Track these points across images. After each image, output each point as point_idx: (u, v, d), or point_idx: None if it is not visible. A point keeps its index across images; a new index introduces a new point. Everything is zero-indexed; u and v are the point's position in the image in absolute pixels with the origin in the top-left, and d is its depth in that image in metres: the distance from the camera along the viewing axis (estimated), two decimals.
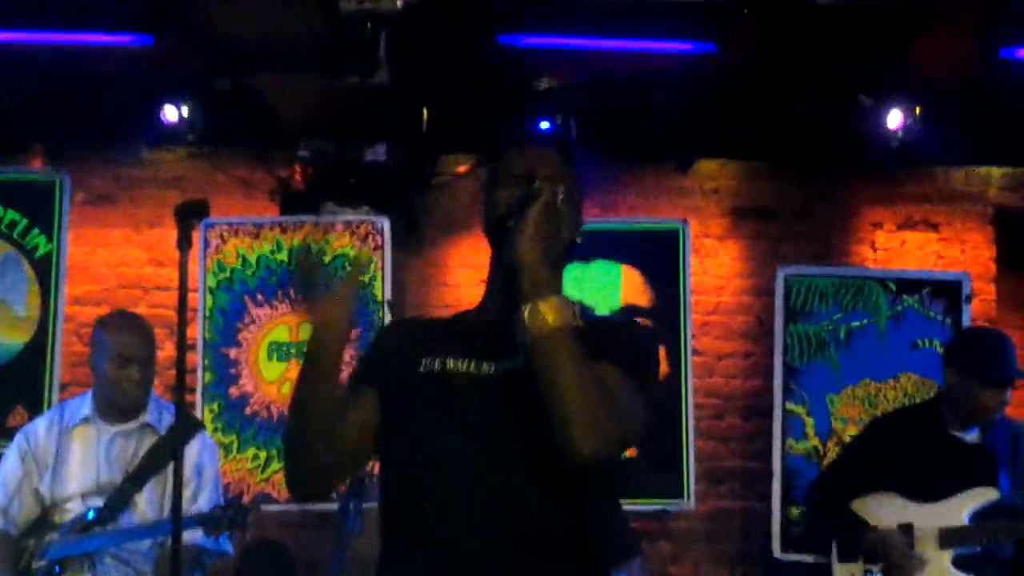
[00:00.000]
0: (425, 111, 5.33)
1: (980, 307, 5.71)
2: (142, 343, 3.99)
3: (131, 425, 4.02)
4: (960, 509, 4.33)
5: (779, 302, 5.45)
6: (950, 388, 4.40)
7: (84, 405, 4.07)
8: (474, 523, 2.07)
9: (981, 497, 4.33)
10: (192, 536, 3.83)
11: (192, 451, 3.99)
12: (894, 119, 5.16)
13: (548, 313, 2.00)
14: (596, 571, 2.18)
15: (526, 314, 2.01)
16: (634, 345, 2.23)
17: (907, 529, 4.35)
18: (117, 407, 4.01)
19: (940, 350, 5.26)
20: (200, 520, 3.81)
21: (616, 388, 2.06)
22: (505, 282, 2.13)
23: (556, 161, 2.25)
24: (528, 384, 2.02)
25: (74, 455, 4.01)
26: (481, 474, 2.08)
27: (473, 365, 2.17)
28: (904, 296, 5.48)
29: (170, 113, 5.20)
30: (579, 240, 2.28)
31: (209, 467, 4.07)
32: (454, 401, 2.14)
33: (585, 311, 2.38)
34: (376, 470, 4.73)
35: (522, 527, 2.08)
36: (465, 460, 2.09)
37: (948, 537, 4.30)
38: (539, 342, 2.00)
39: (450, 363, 2.18)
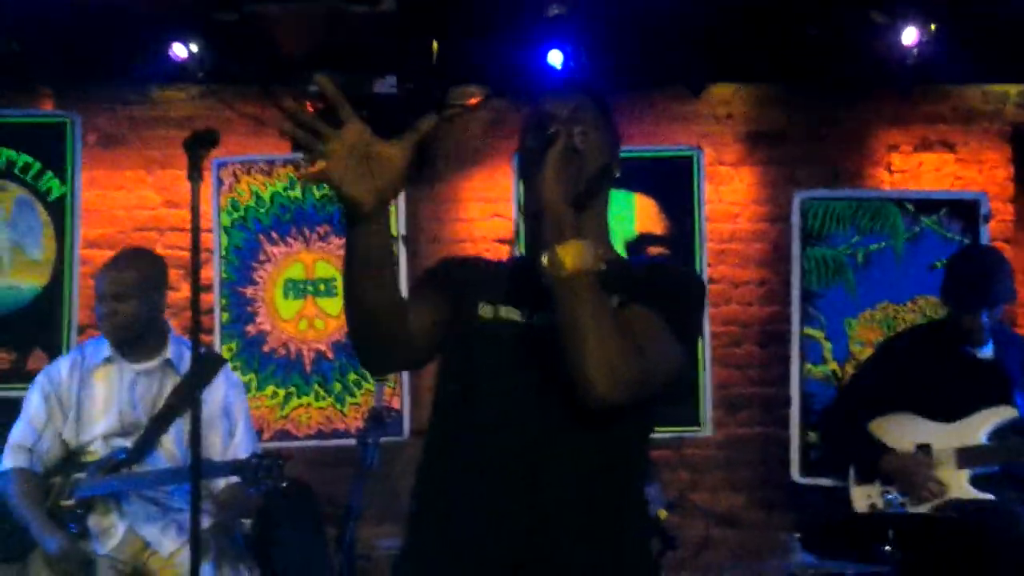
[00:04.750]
0: (434, 41, 5.27)
1: (998, 227, 5.67)
2: (114, 279, 3.98)
3: (152, 363, 4.05)
4: (978, 428, 4.35)
5: (796, 227, 5.42)
6: (946, 311, 4.45)
7: (104, 346, 4.09)
8: (510, 454, 2.12)
9: (999, 416, 4.35)
10: (229, 480, 3.89)
11: (218, 391, 4.01)
12: (909, 36, 5.07)
13: (566, 257, 2.03)
14: (630, 493, 2.22)
15: (545, 259, 2.05)
16: (673, 288, 2.22)
17: (925, 449, 4.37)
18: (115, 345, 4.03)
19: None
20: (236, 468, 3.84)
21: (645, 330, 2.09)
22: (532, 228, 2.18)
23: (577, 103, 2.26)
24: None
25: (97, 396, 4.04)
26: (520, 417, 2.13)
27: (522, 314, 2.20)
28: (922, 217, 5.45)
29: (179, 50, 5.16)
30: (616, 172, 2.31)
31: (238, 404, 4.08)
32: (504, 350, 2.18)
33: (620, 256, 2.38)
34: (393, 404, 4.77)
35: (558, 461, 2.11)
36: (507, 406, 2.14)
37: (966, 456, 4.33)
38: (556, 286, 2.04)
39: (502, 311, 2.21)
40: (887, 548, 3.85)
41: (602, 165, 2.25)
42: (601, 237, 2.28)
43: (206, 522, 3.83)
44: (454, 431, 2.20)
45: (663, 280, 2.24)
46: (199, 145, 2.68)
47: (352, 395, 5.30)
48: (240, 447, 3.99)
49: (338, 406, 5.31)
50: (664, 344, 2.11)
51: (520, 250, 2.34)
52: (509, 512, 2.10)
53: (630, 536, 2.19)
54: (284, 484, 3.82)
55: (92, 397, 4.04)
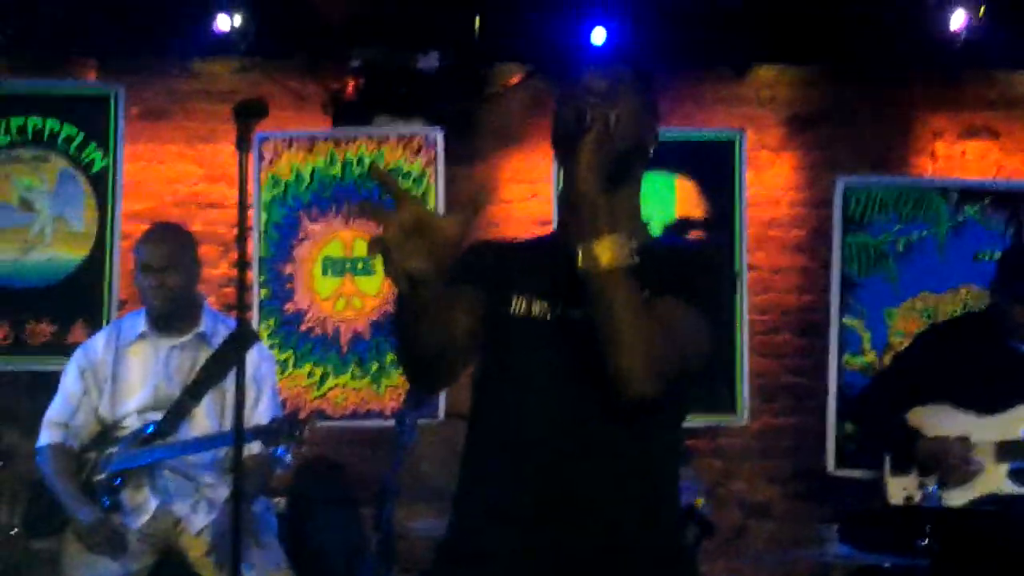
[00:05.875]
0: (477, 17, 5.25)
1: None
2: (162, 251, 4.05)
3: (187, 337, 4.10)
4: (1018, 422, 4.31)
5: (837, 213, 5.37)
6: (993, 303, 4.40)
7: (139, 321, 4.14)
8: (547, 450, 2.13)
9: None
10: (251, 448, 3.91)
11: (249, 361, 4.04)
12: (957, 19, 5.02)
13: (602, 253, 2.03)
14: (665, 480, 2.24)
15: (580, 255, 2.04)
16: (702, 273, 2.23)
17: (964, 441, 4.34)
18: (157, 318, 4.07)
19: None
20: (257, 432, 3.87)
21: (677, 322, 2.10)
22: (563, 210, 2.18)
23: (615, 78, 2.23)
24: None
25: (133, 372, 4.09)
26: (556, 412, 2.14)
27: (554, 308, 2.20)
28: (965, 206, 5.39)
29: (222, 22, 5.16)
30: (651, 150, 2.28)
31: (267, 377, 4.13)
32: (538, 346, 2.18)
33: (651, 238, 2.38)
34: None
35: (595, 452, 2.13)
36: (544, 401, 2.15)
37: (1006, 450, 4.30)
38: (592, 282, 2.04)
39: (535, 307, 2.21)
40: (924, 542, 3.83)
41: (635, 144, 2.23)
42: (633, 218, 2.28)
43: (228, 492, 3.85)
44: (494, 429, 2.21)
45: (692, 264, 2.24)
46: (248, 114, 2.66)
47: (388, 375, 5.28)
48: (263, 414, 4.02)
49: (374, 386, 5.29)
50: (697, 333, 2.13)
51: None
52: (546, 502, 2.12)
53: (664, 522, 2.21)
54: (303, 447, 3.86)
55: (128, 372, 4.08)
